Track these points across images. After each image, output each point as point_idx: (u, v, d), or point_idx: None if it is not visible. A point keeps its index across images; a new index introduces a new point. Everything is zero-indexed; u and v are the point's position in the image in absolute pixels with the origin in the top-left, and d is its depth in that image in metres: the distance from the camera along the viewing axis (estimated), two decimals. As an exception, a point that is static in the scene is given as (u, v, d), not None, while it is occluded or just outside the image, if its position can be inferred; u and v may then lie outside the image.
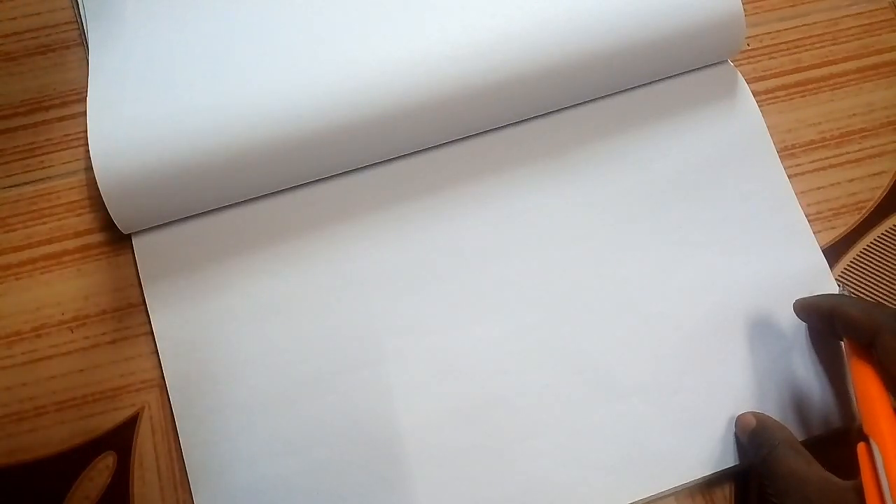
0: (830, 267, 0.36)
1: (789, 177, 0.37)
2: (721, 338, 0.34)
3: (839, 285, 0.35)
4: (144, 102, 0.32)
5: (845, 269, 0.36)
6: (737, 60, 0.39)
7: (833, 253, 0.36)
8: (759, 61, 0.39)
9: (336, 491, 0.31)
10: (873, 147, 0.38)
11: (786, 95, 0.39)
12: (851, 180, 0.38)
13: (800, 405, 0.33)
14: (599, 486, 0.32)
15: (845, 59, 0.40)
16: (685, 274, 0.35)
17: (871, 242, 0.37)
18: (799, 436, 0.32)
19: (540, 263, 0.34)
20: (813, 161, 0.38)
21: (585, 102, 0.37)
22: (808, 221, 0.36)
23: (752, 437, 0.31)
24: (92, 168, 0.30)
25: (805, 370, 0.34)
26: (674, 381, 0.33)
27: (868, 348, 0.29)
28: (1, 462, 0.31)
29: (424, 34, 0.33)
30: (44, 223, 0.34)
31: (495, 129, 0.36)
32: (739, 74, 0.38)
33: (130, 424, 0.32)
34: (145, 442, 0.31)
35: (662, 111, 0.37)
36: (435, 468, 0.31)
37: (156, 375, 0.32)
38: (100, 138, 0.31)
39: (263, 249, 0.34)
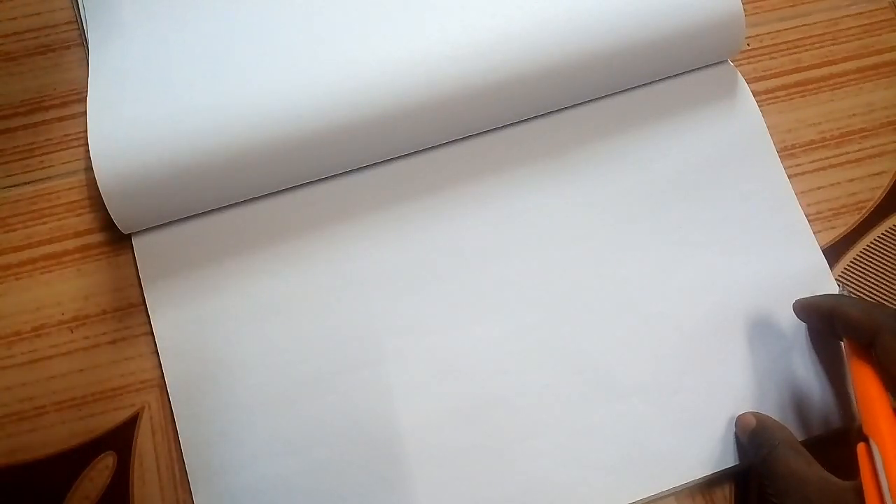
0: (830, 267, 0.36)
1: (789, 177, 0.37)
2: (721, 338, 0.34)
3: (839, 285, 0.35)
4: (144, 102, 0.32)
5: (845, 269, 0.36)
6: (737, 60, 0.39)
7: (833, 253, 0.36)
8: (759, 61, 0.39)
9: (336, 491, 0.31)
10: (873, 147, 0.38)
11: (786, 95, 0.39)
12: (851, 180, 0.38)
13: (800, 405, 0.33)
14: (599, 486, 0.32)
15: (845, 59, 0.40)
16: (685, 274, 0.35)
17: (871, 242, 0.37)
18: (799, 436, 0.32)
19: (540, 263, 0.34)
20: (813, 161, 0.38)
21: (585, 102, 0.36)
22: (808, 221, 0.36)
23: (752, 437, 0.31)
24: (92, 168, 0.30)
25: (805, 370, 0.34)
26: (674, 381, 0.33)
27: (868, 348, 0.29)
28: (1, 462, 0.31)
29: (424, 34, 0.33)
30: (44, 223, 0.34)
31: (495, 129, 0.36)
32: (739, 74, 0.38)
33: (130, 424, 0.32)
34: (145, 442, 0.31)
35: (662, 111, 0.37)
36: (435, 468, 0.31)
37: (156, 375, 0.32)
38: (100, 138, 0.31)
39: (263, 249, 0.34)
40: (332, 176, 0.35)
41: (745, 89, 0.38)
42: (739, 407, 0.33)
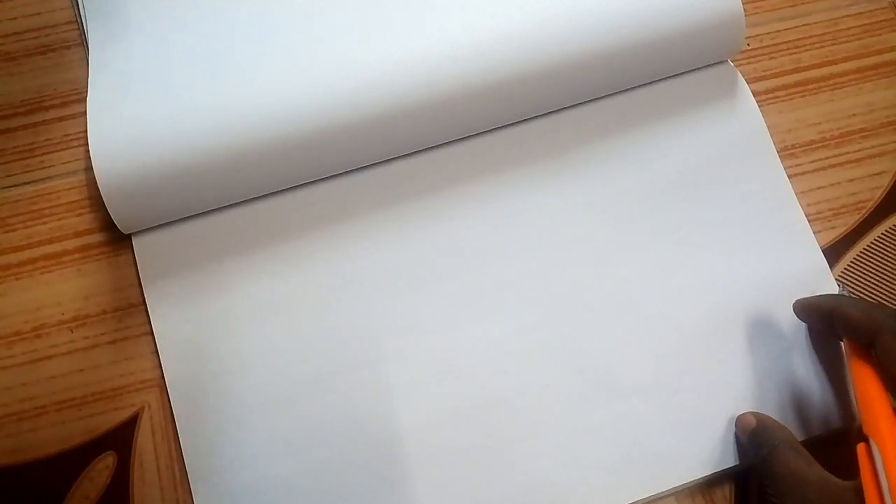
0: (830, 267, 0.36)
1: (789, 177, 0.37)
2: (721, 338, 0.34)
3: (839, 285, 0.35)
4: (144, 102, 0.32)
5: (845, 269, 0.36)
6: (737, 60, 0.39)
7: (833, 253, 0.36)
8: (759, 61, 0.39)
9: (336, 491, 0.31)
10: (873, 147, 0.38)
11: (786, 95, 0.39)
12: (851, 180, 0.38)
13: (800, 405, 0.33)
14: (599, 486, 0.32)
15: (845, 59, 0.40)
16: (685, 274, 0.35)
17: (871, 242, 0.37)
18: (799, 436, 0.32)
19: (540, 263, 0.34)
20: (813, 161, 0.38)
21: (585, 102, 0.36)
22: (808, 221, 0.36)
23: (752, 437, 0.31)
24: (92, 168, 0.30)
25: (805, 370, 0.34)
26: (674, 381, 0.33)
27: (868, 348, 0.29)
28: (1, 462, 0.31)
29: (424, 34, 0.33)
30: (44, 223, 0.34)
31: (495, 129, 0.36)
32: (739, 74, 0.38)
33: (130, 424, 0.32)
34: (145, 442, 0.31)
35: (662, 111, 0.37)
36: (435, 468, 0.31)
37: (156, 375, 0.32)
38: (100, 138, 0.31)
39: (263, 249, 0.34)
40: (332, 176, 0.35)
41: (745, 89, 0.38)
42: (739, 407, 0.33)
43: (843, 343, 0.33)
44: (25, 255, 0.33)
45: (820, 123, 0.38)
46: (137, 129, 0.31)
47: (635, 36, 0.34)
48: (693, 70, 0.37)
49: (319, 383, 0.32)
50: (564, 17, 0.34)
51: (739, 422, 0.32)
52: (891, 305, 0.35)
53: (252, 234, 0.34)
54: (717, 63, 0.38)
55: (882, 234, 0.37)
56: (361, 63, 0.32)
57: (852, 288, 0.36)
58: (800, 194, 0.37)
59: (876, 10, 0.41)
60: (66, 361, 0.32)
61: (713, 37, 0.36)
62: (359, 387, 0.32)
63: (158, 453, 0.31)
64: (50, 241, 0.34)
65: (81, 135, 0.35)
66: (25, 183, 0.35)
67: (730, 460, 0.32)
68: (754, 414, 0.32)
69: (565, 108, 0.36)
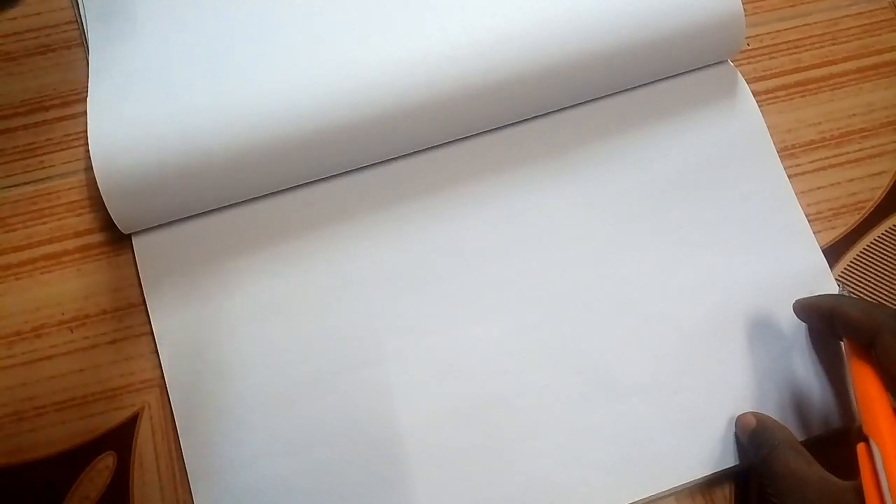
0: (830, 267, 0.36)
1: (789, 177, 0.37)
2: (721, 338, 0.34)
3: (839, 285, 0.35)
4: (144, 102, 0.32)
5: (845, 269, 0.36)
6: (737, 60, 0.39)
7: (833, 253, 0.36)
8: (759, 61, 0.39)
9: (336, 491, 0.31)
10: (873, 147, 0.38)
11: (786, 95, 0.39)
12: (851, 180, 0.38)
13: (800, 405, 0.33)
14: (599, 486, 0.32)
15: (845, 59, 0.40)
16: (685, 274, 0.35)
17: (871, 242, 0.37)
18: (799, 436, 0.32)
19: (540, 263, 0.34)
20: (813, 161, 0.38)
21: (585, 102, 0.37)
22: (808, 221, 0.36)
23: (752, 437, 0.31)
24: (92, 168, 0.30)
25: (805, 370, 0.34)
26: (674, 381, 0.33)
27: (868, 348, 0.29)
28: (1, 462, 0.31)
29: (424, 34, 0.33)
30: (44, 223, 0.34)
31: (495, 129, 0.36)
32: (739, 74, 0.38)
33: (130, 424, 0.32)
34: (145, 442, 0.31)
35: (662, 111, 0.37)
36: (435, 468, 0.31)
37: (156, 375, 0.32)
38: (100, 138, 0.31)
39: (263, 249, 0.34)
40: (332, 176, 0.35)
41: (745, 89, 0.38)
42: (739, 407, 0.33)
43: (843, 343, 0.33)
44: (25, 255, 0.33)
45: (820, 123, 0.38)
46: (137, 129, 0.31)
47: (635, 36, 0.34)
48: (693, 70, 0.37)
49: (319, 383, 0.32)
50: (564, 17, 0.34)
51: (739, 422, 0.32)
52: (891, 305, 0.35)
53: (252, 234, 0.34)
54: (717, 63, 0.38)
55: (882, 234, 0.37)
56: (361, 63, 0.32)
57: (852, 288, 0.36)
58: (800, 194, 0.37)
59: (876, 10, 0.41)
60: (66, 361, 0.32)
61: (713, 37, 0.36)
62: (359, 387, 0.32)
63: (158, 453, 0.31)
64: (50, 241, 0.34)
65: (81, 135, 0.35)
66: (25, 183, 0.35)
67: (730, 460, 0.32)
68: (754, 414, 0.32)
69: (565, 108, 0.36)
